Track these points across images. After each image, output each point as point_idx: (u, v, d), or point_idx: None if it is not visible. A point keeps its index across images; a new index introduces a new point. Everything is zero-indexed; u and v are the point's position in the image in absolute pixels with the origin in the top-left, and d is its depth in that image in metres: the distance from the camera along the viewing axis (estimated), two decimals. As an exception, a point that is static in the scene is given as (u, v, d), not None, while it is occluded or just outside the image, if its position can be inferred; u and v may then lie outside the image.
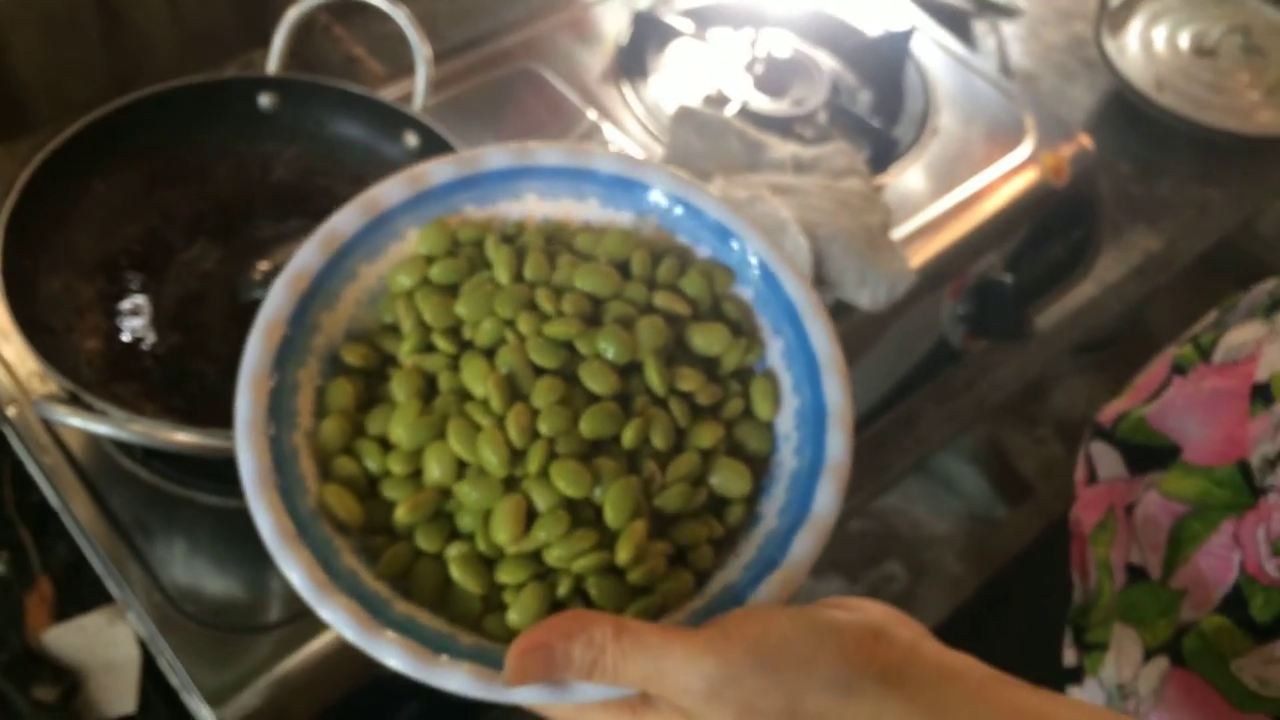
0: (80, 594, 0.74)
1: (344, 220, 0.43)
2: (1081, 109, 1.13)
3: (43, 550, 0.74)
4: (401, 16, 0.72)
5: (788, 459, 0.42)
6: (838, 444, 0.40)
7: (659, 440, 0.40)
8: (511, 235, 0.45)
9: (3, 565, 0.74)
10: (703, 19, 0.95)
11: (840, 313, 0.78)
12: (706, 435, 0.41)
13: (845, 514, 0.88)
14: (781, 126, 0.89)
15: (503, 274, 0.42)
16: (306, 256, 0.42)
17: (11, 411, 0.67)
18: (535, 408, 0.40)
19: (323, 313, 0.42)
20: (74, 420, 0.58)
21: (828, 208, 0.78)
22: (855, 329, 0.80)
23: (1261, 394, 0.54)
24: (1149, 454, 0.61)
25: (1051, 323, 0.97)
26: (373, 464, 0.40)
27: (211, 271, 0.71)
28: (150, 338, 0.67)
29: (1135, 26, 1.15)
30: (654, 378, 0.41)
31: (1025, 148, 0.90)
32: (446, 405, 0.40)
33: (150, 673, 0.73)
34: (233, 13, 1.09)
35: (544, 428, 0.39)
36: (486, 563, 0.39)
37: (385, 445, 0.41)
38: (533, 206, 0.46)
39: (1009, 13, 1.18)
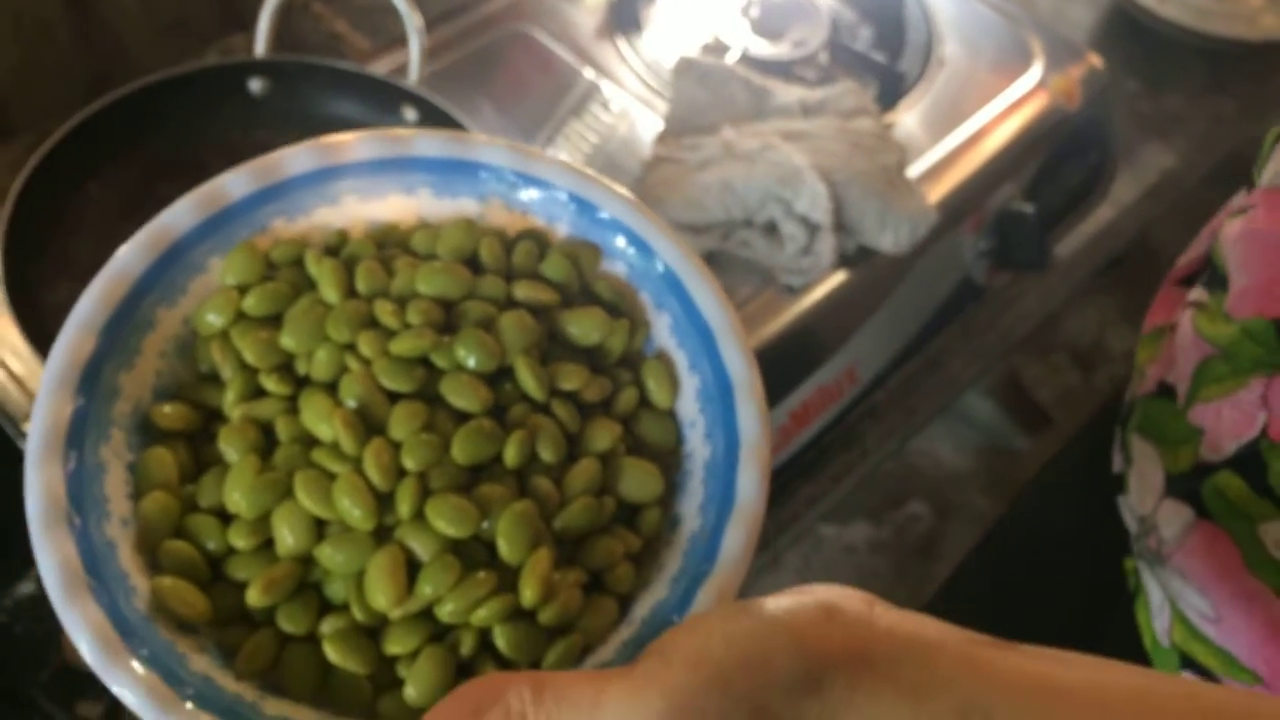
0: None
1: (128, 260, 0.36)
2: (1082, 28, 1.10)
3: (71, 564, 0.73)
4: (389, -13, 0.70)
5: (698, 447, 0.37)
6: (750, 419, 0.36)
7: (548, 453, 0.35)
8: (335, 247, 0.39)
9: (32, 583, 0.72)
10: (693, -35, 0.92)
11: (862, 258, 0.76)
12: (602, 436, 0.36)
13: (876, 459, 0.85)
14: (782, 70, 0.86)
15: (331, 292, 0.36)
16: (88, 308, 0.35)
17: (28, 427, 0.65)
18: (396, 441, 0.34)
19: (120, 374, 0.35)
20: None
21: (842, 151, 0.76)
22: (878, 274, 0.78)
23: None
24: (1214, 273, 0.57)
25: (1070, 249, 0.95)
26: (212, 542, 0.33)
27: (217, 266, 0.69)
28: (161, 340, 0.65)
29: (1132, -62, 1.12)
30: (530, 381, 0.35)
31: (1034, 72, 0.88)
32: (290, 457, 0.34)
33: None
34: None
35: (410, 463, 0.33)
36: (369, 634, 0.33)
37: (224, 517, 0.34)
38: (354, 210, 0.39)
39: (1001, -66, 1.15)
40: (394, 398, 0.34)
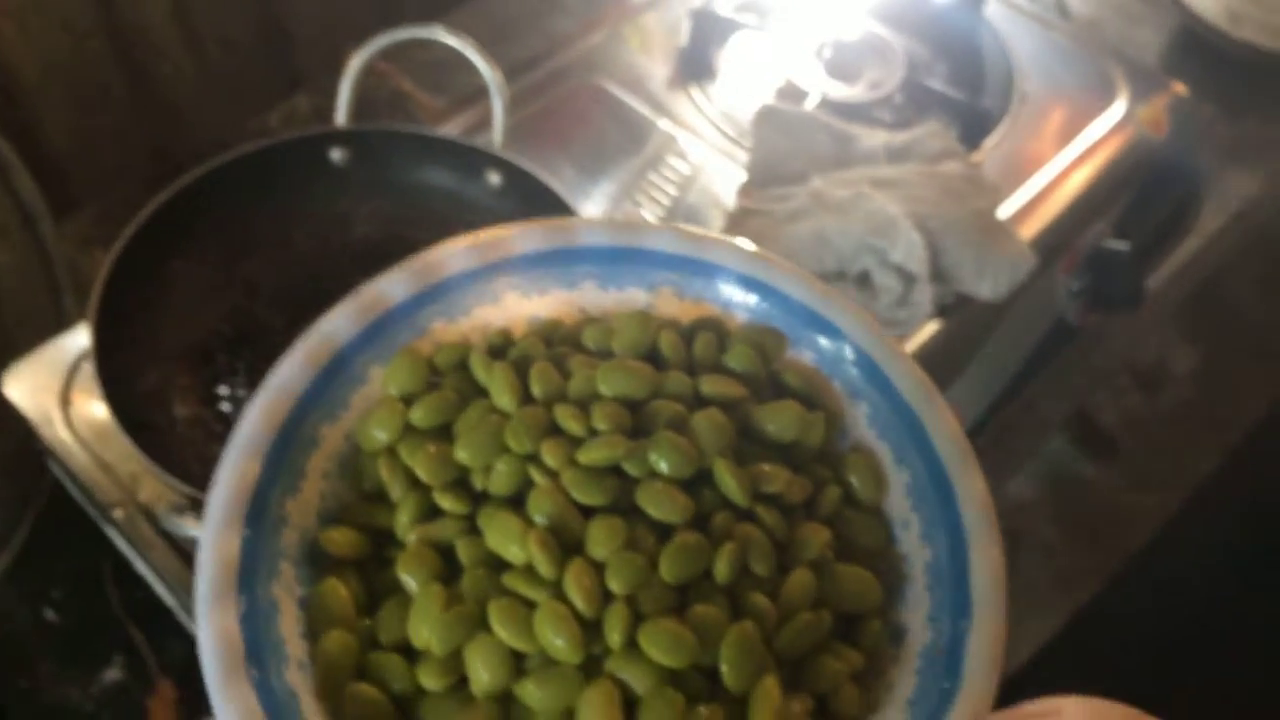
0: (205, 693, 0.70)
1: (289, 376, 0.34)
2: (1151, 52, 1.08)
3: (158, 650, 0.71)
4: (470, 49, 0.68)
5: (915, 549, 0.34)
6: (975, 514, 0.33)
7: (760, 565, 0.32)
8: (500, 347, 0.36)
9: (118, 669, 0.71)
10: (761, 7, 0.90)
11: (956, 306, 0.74)
12: (812, 542, 0.33)
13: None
14: (860, 113, 0.84)
15: (505, 398, 0.34)
16: (251, 431, 0.33)
17: (119, 514, 0.63)
18: (596, 560, 0.31)
19: (287, 500, 0.33)
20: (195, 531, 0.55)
21: (933, 197, 0.74)
22: (973, 321, 0.75)
23: None
24: None
25: (1157, 283, 0.93)
26: (398, 684, 0.31)
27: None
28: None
29: (1198, -41, 1.10)
30: (732, 486, 0.33)
31: (1120, 103, 0.86)
32: (478, 584, 0.31)
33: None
34: (260, 58, 1.05)
35: (616, 586, 0.30)
36: None
37: (409, 654, 0.31)
38: (515, 308, 0.37)
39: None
40: (586, 512, 0.32)
